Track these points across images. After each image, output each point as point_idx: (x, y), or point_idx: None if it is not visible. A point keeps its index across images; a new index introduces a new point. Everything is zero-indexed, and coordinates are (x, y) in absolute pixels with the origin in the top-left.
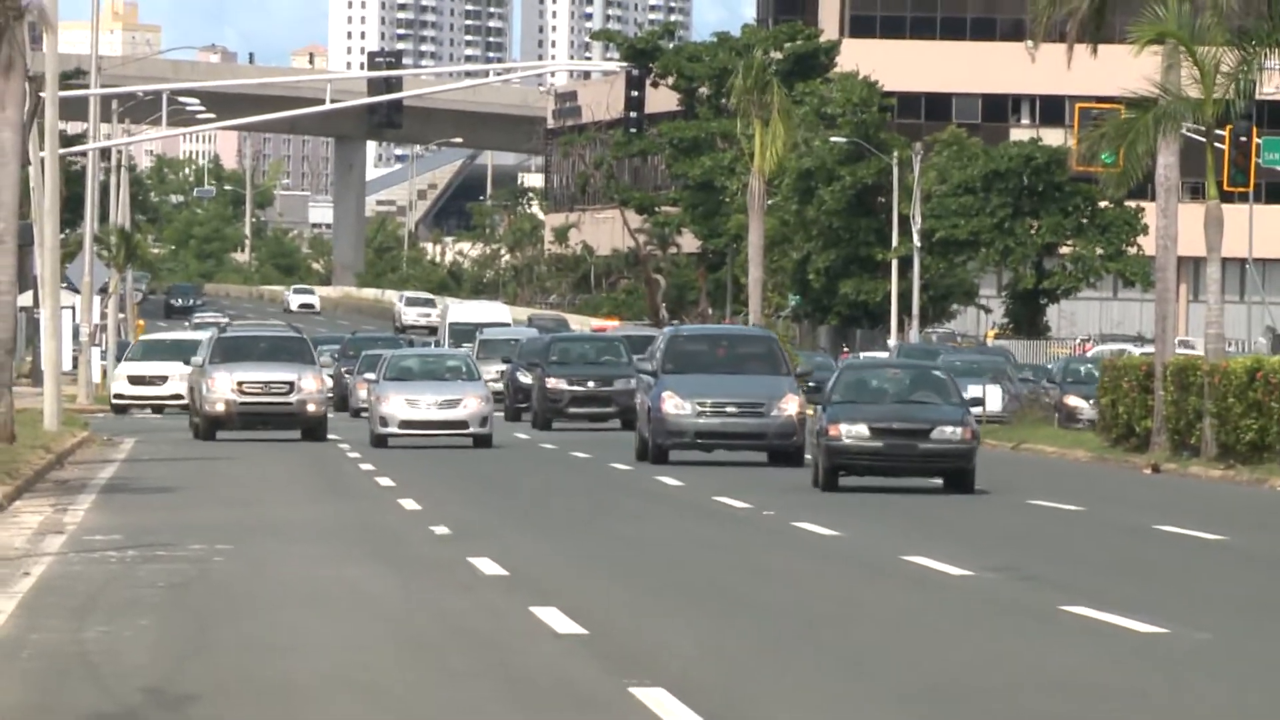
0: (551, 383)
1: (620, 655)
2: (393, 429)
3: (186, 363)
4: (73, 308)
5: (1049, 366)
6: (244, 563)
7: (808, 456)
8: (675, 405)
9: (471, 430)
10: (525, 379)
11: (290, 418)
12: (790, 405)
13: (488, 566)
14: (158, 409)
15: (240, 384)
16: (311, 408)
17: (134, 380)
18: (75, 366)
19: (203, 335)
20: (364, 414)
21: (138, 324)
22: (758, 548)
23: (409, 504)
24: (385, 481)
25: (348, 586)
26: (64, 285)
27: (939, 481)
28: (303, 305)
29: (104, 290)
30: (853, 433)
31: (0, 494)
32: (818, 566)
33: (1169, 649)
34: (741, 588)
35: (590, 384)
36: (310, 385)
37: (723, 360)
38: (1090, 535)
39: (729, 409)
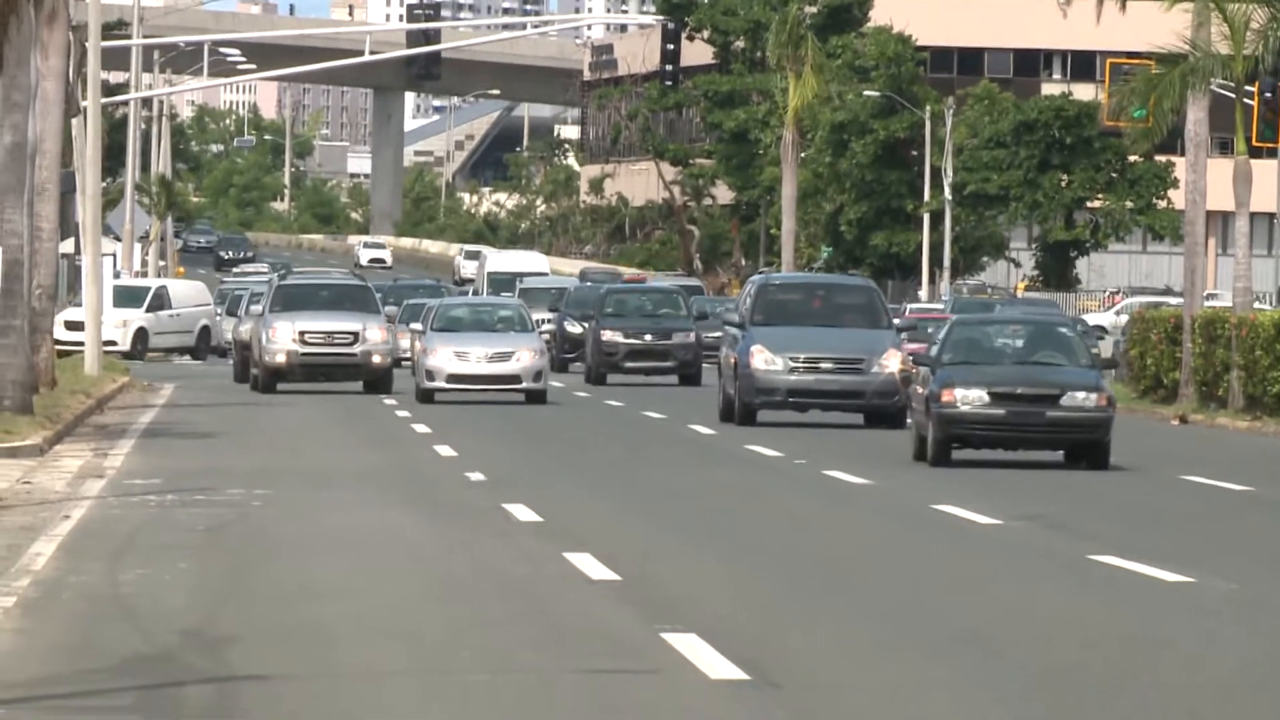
0: (607, 335)
1: (653, 601)
2: (440, 383)
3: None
4: (114, 255)
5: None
6: (281, 508)
7: (908, 421)
8: (765, 361)
9: (525, 385)
10: (574, 329)
11: (354, 369)
12: (892, 361)
13: (522, 513)
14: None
15: (302, 333)
16: (376, 359)
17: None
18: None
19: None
20: (405, 364)
21: (178, 271)
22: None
23: (445, 450)
24: (421, 428)
25: (383, 532)
26: (105, 233)
27: (1058, 454)
28: (373, 260)
29: (145, 238)
30: (969, 398)
31: (41, 438)
32: (849, 514)
33: (1196, 598)
34: (777, 538)
35: (648, 337)
36: (375, 336)
37: (818, 311)
38: (1118, 485)
39: (824, 365)
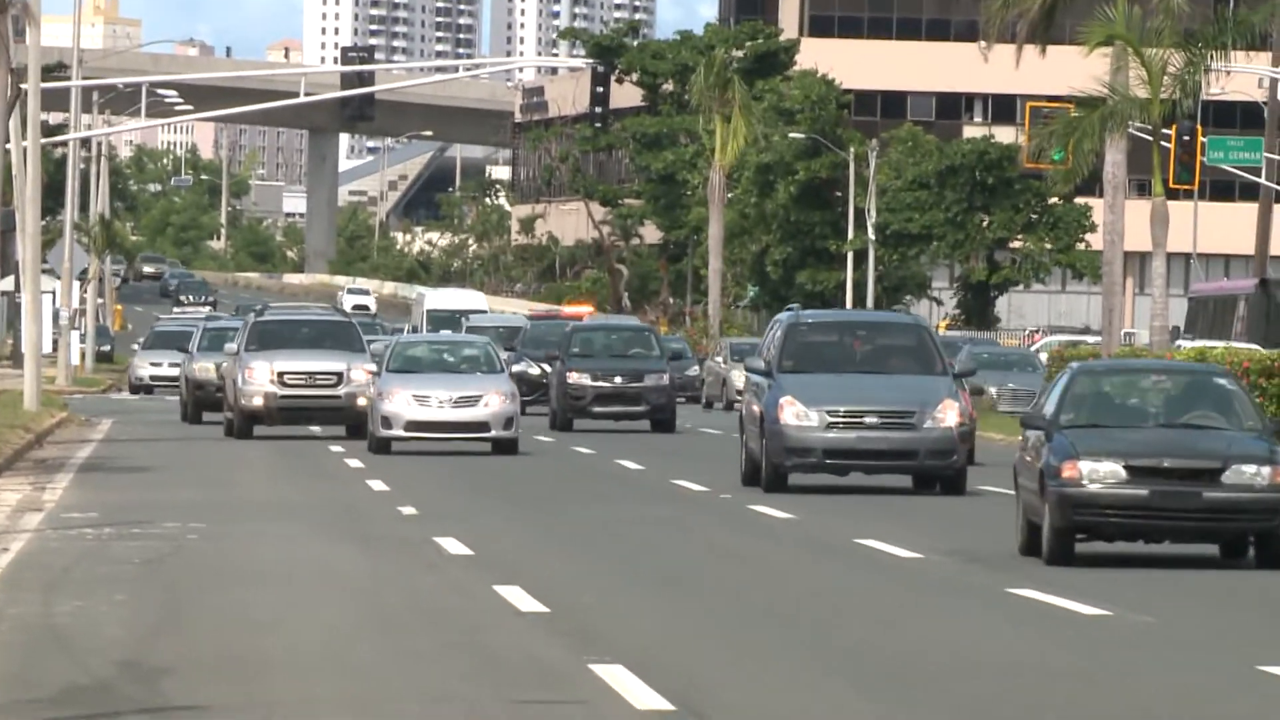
0: (574, 377)
1: (581, 633)
2: (397, 431)
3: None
4: (53, 292)
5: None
6: (216, 541)
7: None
8: (797, 415)
9: (493, 434)
10: (532, 370)
11: (337, 412)
12: (949, 414)
13: (453, 546)
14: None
15: (281, 374)
16: (362, 401)
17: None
18: (55, 349)
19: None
20: None
21: (116, 309)
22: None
23: (377, 485)
24: (355, 464)
25: (317, 565)
26: (44, 270)
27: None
28: (357, 307)
29: (83, 276)
30: (1100, 474)
31: None
32: (774, 548)
33: (1113, 631)
34: (703, 571)
35: (618, 379)
36: (361, 376)
37: (859, 355)
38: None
39: (868, 419)
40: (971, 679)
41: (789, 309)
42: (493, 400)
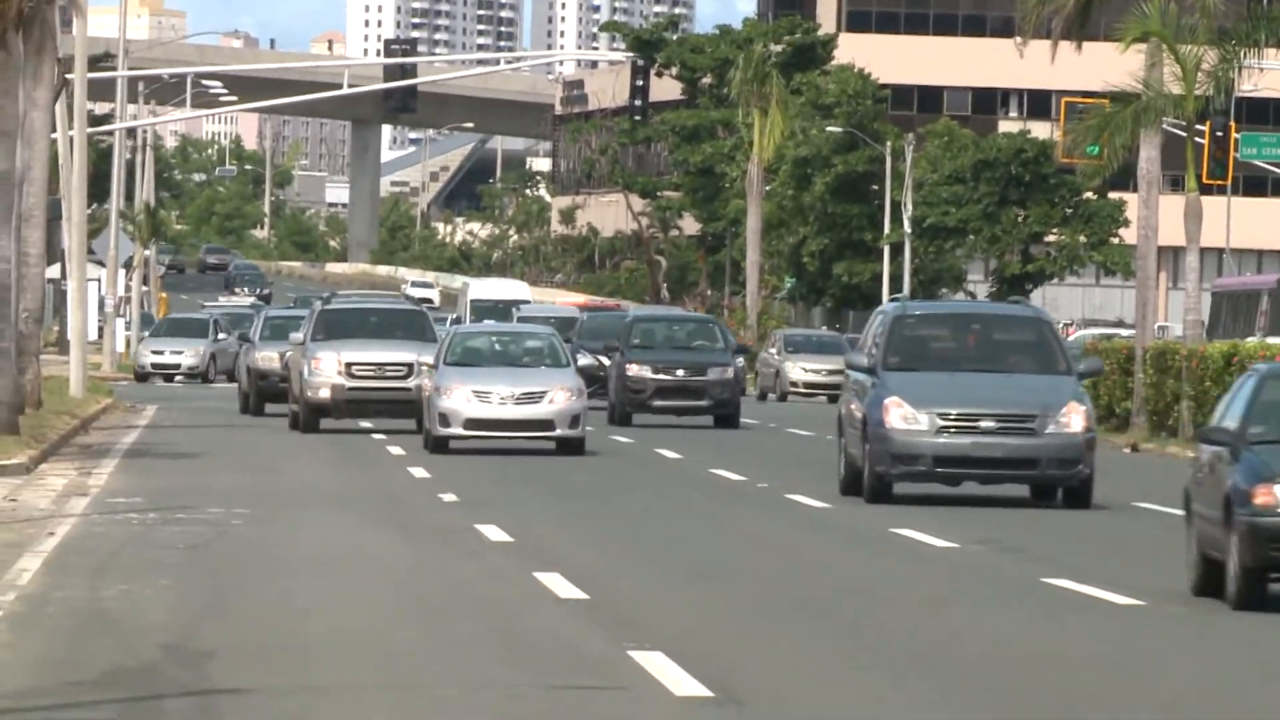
0: (633, 370)
1: (620, 620)
2: (456, 429)
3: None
4: (98, 280)
5: None
6: (260, 527)
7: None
8: (904, 418)
9: (559, 432)
10: (586, 360)
11: (407, 405)
12: (1074, 418)
13: (494, 533)
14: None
15: (349, 365)
16: None
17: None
18: (100, 336)
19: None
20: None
21: (161, 297)
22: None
23: (419, 472)
24: (396, 450)
25: (359, 551)
26: (90, 258)
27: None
28: (421, 300)
29: (129, 264)
30: None
31: (27, 457)
32: (812, 537)
33: (1146, 621)
34: (740, 560)
35: (680, 372)
36: None
37: (973, 351)
38: (1070, 511)
39: (984, 423)
40: (1007, 668)
41: (894, 299)
42: (558, 397)
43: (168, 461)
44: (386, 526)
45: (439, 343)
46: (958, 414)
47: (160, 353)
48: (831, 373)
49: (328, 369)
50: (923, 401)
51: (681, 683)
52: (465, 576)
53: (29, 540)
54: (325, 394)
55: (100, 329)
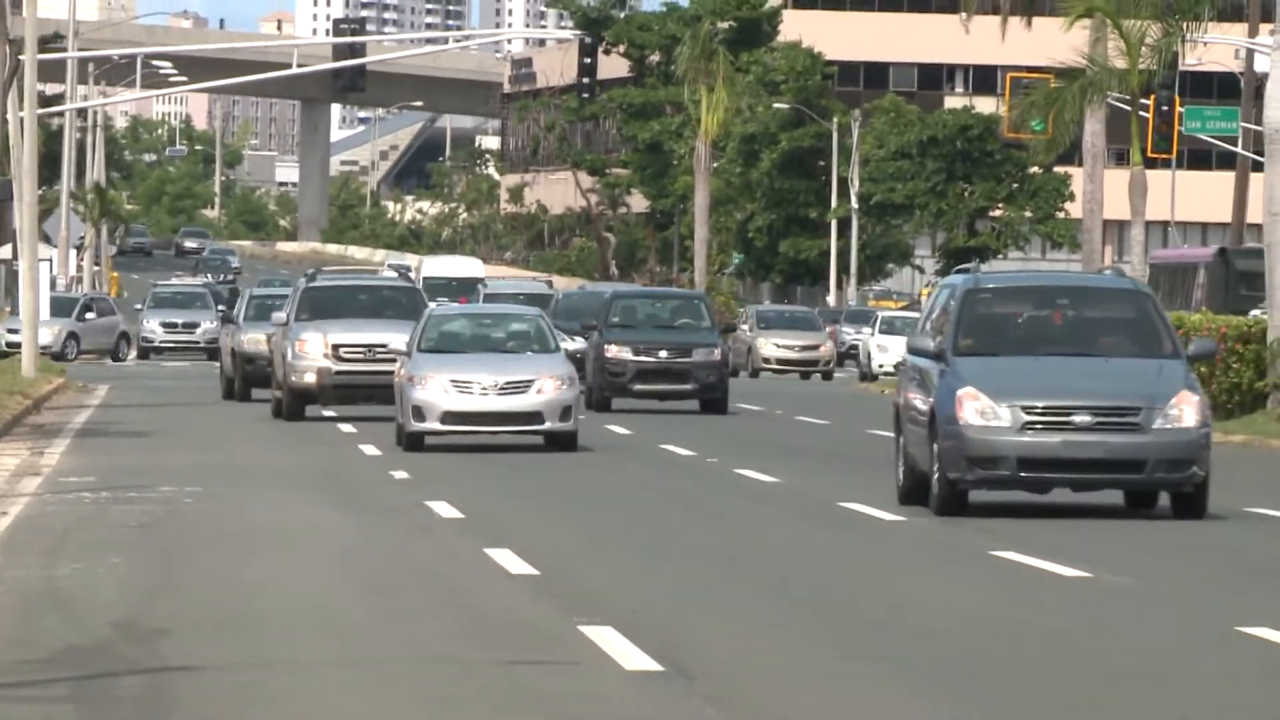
0: (613, 351)
1: (571, 595)
2: (432, 423)
3: None
4: (50, 260)
5: None
6: (212, 504)
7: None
8: (981, 412)
9: (547, 426)
10: (568, 344)
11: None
12: (1186, 410)
13: (444, 509)
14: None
15: (336, 347)
16: None
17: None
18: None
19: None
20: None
21: (112, 276)
22: (697, 490)
23: (369, 450)
24: (347, 429)
25: (310, 528)
26: (42, 240)
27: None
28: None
29: (80, 244)
30: None
31: None
32: (761, 510)
33: (1093, 592)
34: (691, 534)
35: (662, 353)
36: None
37: (1061, 331)
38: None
39: (1078, 417)
40: (954, 639)
41: (962, 269)
42: (547, 386)
43: (120, 440)
44: (337, 503)
45: (416, 325)
46: (1045, 406)
47: (15, 331)
48: (804, 349)
49: (313, 351)
50: (1003, 392)
51: (632, 657)
52: (416, 553)
53: None
54: (311, 379)
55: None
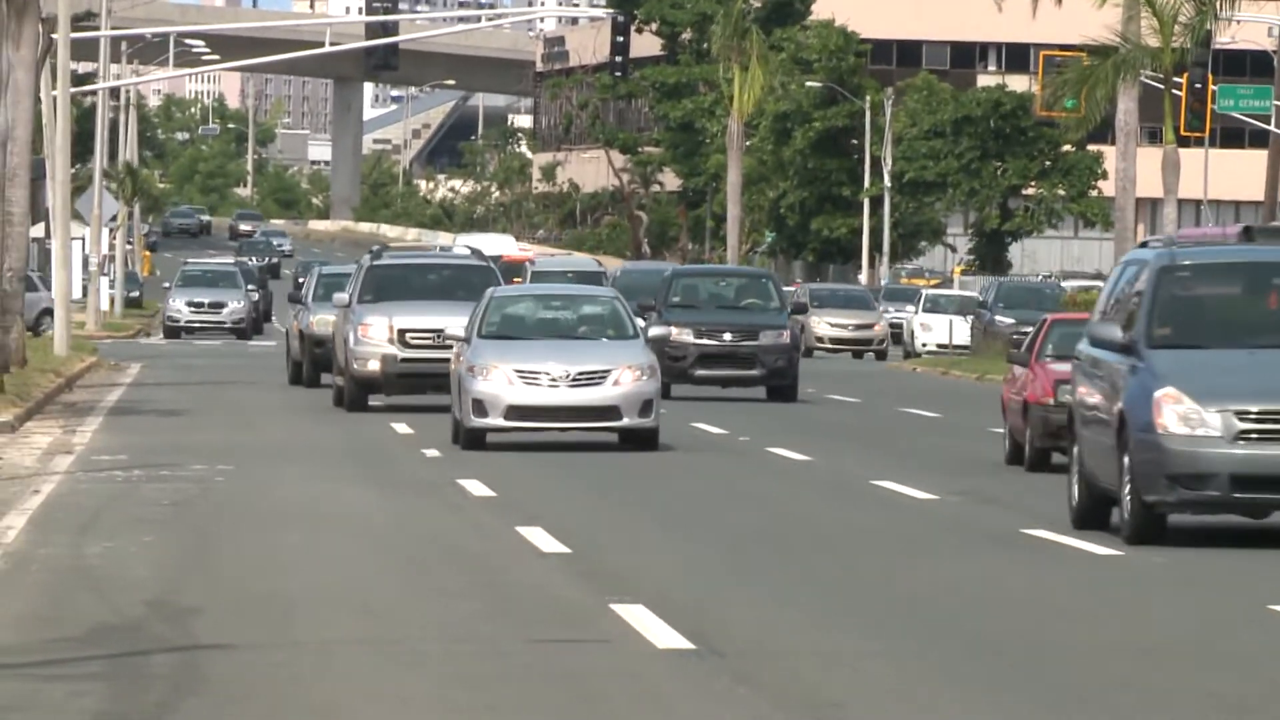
0: (674, 333)
1: (602, 574)
2: (494, 419)
3: None
4: (82, 239)
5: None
6: (244, 483)
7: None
8: (1184, 417)
9: (625, 422)
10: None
11: None
12: None
13: (476, 488)
14: None
15: (402, 333)
16: None
17: None
18: (85, 295)
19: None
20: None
21: (145, 255)
22: (732, 471)
23: (401, 428)
24: (376, 401)
25: (341, 506)
26: (74, 218)
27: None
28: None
29: (113, 222)
30: None
31: (12, 415)
32: (793, 492)
33: (1125, 570)
34: (722, 513)
35: (727, 336)
36: None
37: (1272, 317)
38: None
39: None
40: (984, 618)
41: (1150, 241)
42: (625, 377)
43: (152, 419)
44: (369, 482)
45: (475, 308)
46: (1263, 412)
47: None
48: (859, 327)
49: (377, 336)
50: (1211, 394)
51: (663, 635)
52: (448, 531)
53: (14, 498)
54: (374, 366)
55: (84, 287)
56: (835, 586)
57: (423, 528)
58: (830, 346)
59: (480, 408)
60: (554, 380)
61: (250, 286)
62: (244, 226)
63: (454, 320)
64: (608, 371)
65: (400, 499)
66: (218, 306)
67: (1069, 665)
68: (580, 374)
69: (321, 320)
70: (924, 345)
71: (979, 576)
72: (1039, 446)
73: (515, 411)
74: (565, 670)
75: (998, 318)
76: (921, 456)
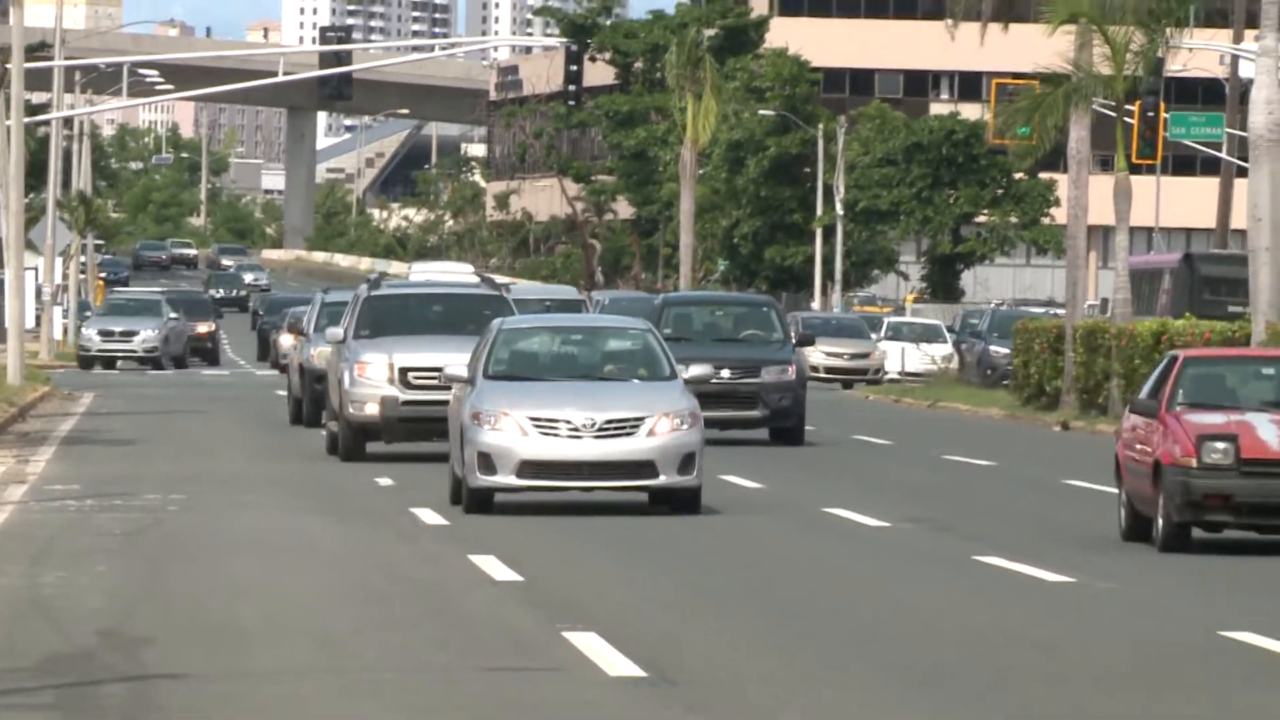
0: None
1: (555, 602)
2: (505, 476)
3: None
4: (35, 268)
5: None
6: (196, 512)
7: None
8: None
9: (662, 480)
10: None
11: None
12: None
13: (429, 516)
14: None
15: (403, 372)
16: None
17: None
18: (38, 324)
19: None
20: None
21: (98, 284)
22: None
23: (383, 480)
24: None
25: (295, 536)
26: (28, 248)
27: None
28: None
29: (65, 252)
30: None
31: None
32: (744, 519)
33: (1077, 597)
34: (675, 541)
35: (725, 373)
36: None
37: None
38: (1002, 489)
39: None
40: (938, 644)
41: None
42: (661, 425)
43: (105, 449)
44: (322, 510)
45: (480, 343)
46: None
47: (109, 334)
48: (854, 356)
49: (375, 376)
50: None
51: (616, 663)
52: (401, 560)
53: None
54: (373, 410)
55: (38, 317)
56: (788, 613)
57: (376, 557)
58: (824, 376)
59: (487, 463)
60: (576, 430)
61: (174, 316)
62: (225, 261)
63: (462, 358)
64: (641, 419)
65: (353, 528)
66: (129, 335)
67: (1024, 691)
68: (608, 422)
69: (322, 354)
70: (884, 374)
71: (932, 603)
72: (1177, 521)
73: (530, 468)
74: (517, 698)
75: (992, 348)
76: (872, 484)
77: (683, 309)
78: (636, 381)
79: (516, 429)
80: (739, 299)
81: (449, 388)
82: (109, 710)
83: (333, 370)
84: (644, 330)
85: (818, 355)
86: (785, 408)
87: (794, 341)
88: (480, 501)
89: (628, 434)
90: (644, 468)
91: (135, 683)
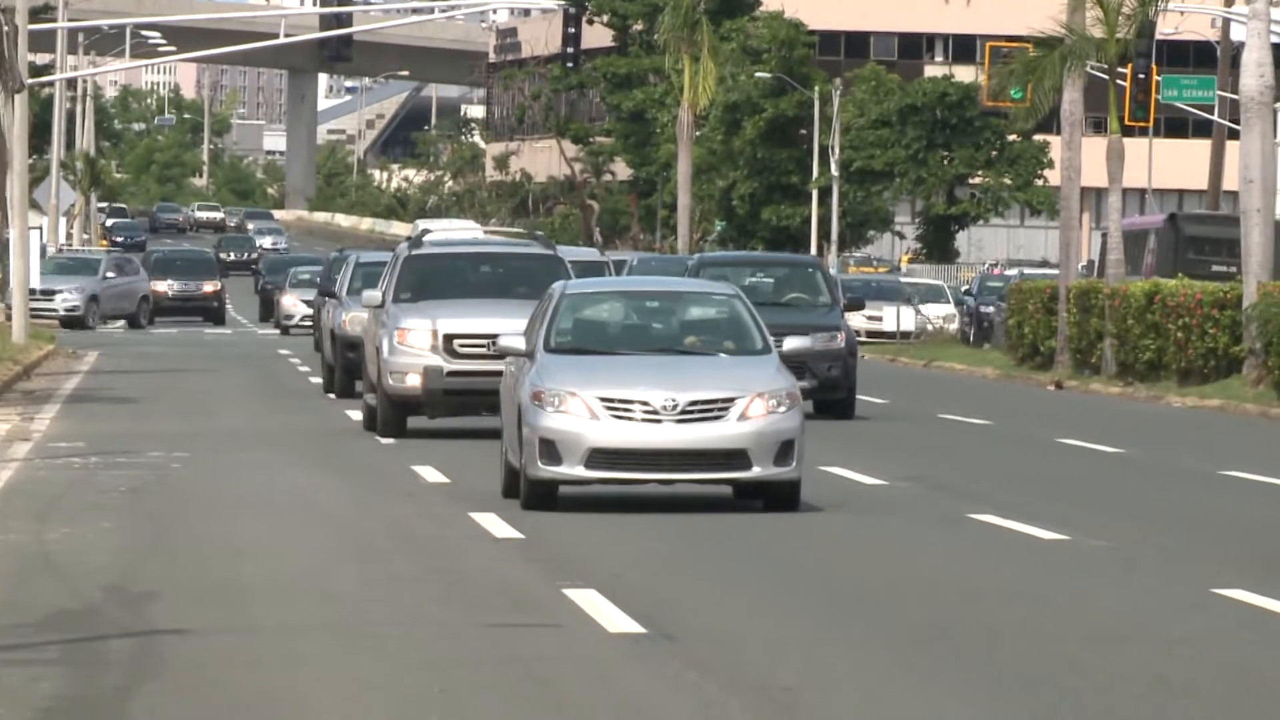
0: None
1: (555, 559)
2: (572, 467)
3: None
4: (40, 228)
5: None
6: (200, 469)
7: None
8: None
9: (756, 472)
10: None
11: None
12: None
13: (430, 474)
14: None
15: (448, 339)
16: None
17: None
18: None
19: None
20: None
21: (102, 243)
22: None
23: (355, 415)
24: (333, 394)
25: (297, 493)
26: (32, 208)
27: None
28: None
29: (69, 212)
30: None
31: None
32: None
33: (1071, 555)
34: (670, 502)
35: None
36: None
37: None
38: (996, 448)
39: None
40: (933, 603)
41: None
42: (755, 408)
43: (109, 406)
44: (324, 468)
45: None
46: None
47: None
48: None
49: (418, 344)
50: None
51: (615, 620)
52: (402, 517)
53: None
54: (414, 381)
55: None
56: (784, 571)
57: (378, 514)
58: (864, 339)
59: (551, 450)
60: (654, 413)
61: (111, 274)
62: (251, 225)
63: (513, 324)
64: (731, 400)
65: (355, 485)
66: (49, 294)
67: (1017, 649)
68: (692, 404)
69: (355, 319)
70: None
71: (927, 562)
72: None
73: (601, 456)
74: (517, 654)
75: None
76: (869, 443)
77: (719, 270)
78: (724, 356)
79: (585, 411)
80: (782, 259)
81: (500, 357)
82: (114, 665)
83: (370, 338)
84: (731, 295)
85: (859, 319)
86: (834, 378)
87: (842, 305)
88: (542, 496)
89: (716, 418)
90: (735, 457)
91: (140, 638)
